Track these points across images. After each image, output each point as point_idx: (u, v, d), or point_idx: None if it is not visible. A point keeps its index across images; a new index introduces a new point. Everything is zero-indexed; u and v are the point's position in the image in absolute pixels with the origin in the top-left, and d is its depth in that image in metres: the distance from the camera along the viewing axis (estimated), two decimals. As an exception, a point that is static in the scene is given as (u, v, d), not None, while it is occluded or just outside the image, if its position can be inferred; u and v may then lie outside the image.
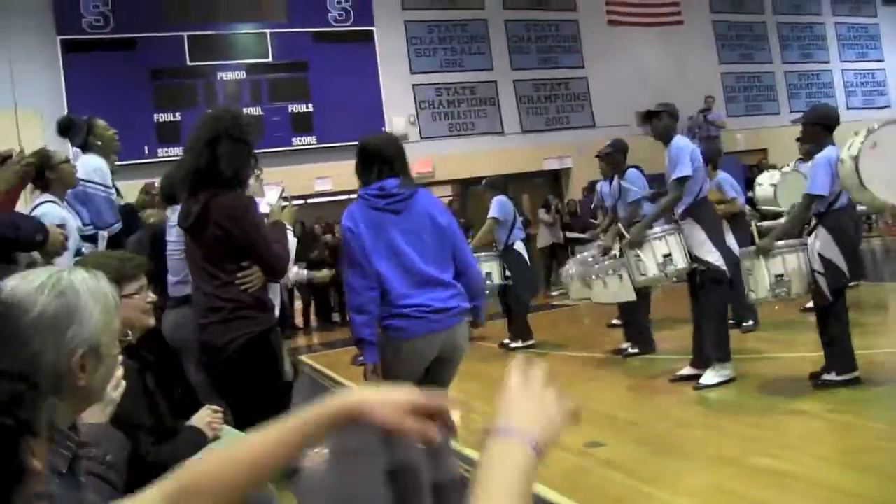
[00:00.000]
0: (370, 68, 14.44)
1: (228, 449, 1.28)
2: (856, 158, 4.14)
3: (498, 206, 8.69)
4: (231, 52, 13.80)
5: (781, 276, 5.25)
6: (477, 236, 8.96)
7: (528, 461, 1.03)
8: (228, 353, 3.29)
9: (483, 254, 8.69)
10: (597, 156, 7.97)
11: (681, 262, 6.02)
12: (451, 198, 14.62)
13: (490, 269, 8.60)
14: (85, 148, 5.12)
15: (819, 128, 5.39)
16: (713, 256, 5.83)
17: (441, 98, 15.28)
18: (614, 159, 7.59)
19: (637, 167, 7.60)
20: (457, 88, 15.40)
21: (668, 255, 6.03)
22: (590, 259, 7.70)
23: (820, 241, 5.15)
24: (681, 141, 6.01)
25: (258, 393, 3.32)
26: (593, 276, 7.14)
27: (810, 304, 6.13)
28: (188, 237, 3.52)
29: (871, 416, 4.60)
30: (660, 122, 6.10)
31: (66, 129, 5.31)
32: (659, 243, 6.07)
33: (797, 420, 4.73)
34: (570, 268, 8.09)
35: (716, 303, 5.86)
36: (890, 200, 4.24)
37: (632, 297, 6.88)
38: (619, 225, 6.94)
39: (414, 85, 15.04)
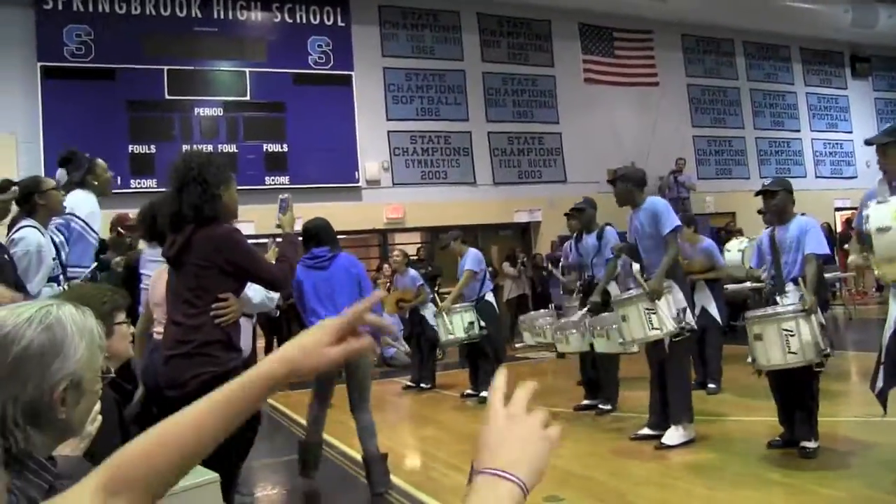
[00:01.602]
0: (347, 112, 14.59)
1: (156, 429, 1.21)
2: None
3: (474, 258, 8.88)
4: (209, 88, 13.90)
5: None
6: (456, 288, 9.01)
7: (517, 502, 0.97)
8: (189, 390, 3.29)
9: (458, 305, 8.90)
10: (566, 214, 8.11)
11: (690, 317, 5.99)
12: (419, 245, 14.72)
13: (472, 318, 8.76)
14: (82, 185, 5.21)
15: (790, 196, 5.60)
16: (689, 315, 5.93)
17: (415, 146, 15.42)
18: (588, 216, 7.73)
19: (609, 224, 7.76)
20: (431, 137, 15.57)
21: (683, 309, 5.91)
22: (575, 319, 7.72)
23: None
24: (659, 200, 6.19)
25: None
26: (598, 327, 7.10)
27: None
28: (170, 268, 3.63)
29: (826, 483, 4.64)
30: (616, 187, 6.30)
31: (67, 161, 5.39)
32: (678, 295, 5.95)
33: (753, 484, 4.78)
34: (539, 318, 8.14)
35: (686, 364, 6.00)
36: None
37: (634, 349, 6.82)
38: (601, 283, 7.14)
39: (389, 131, 15.19)
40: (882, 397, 4.42)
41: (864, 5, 19.76)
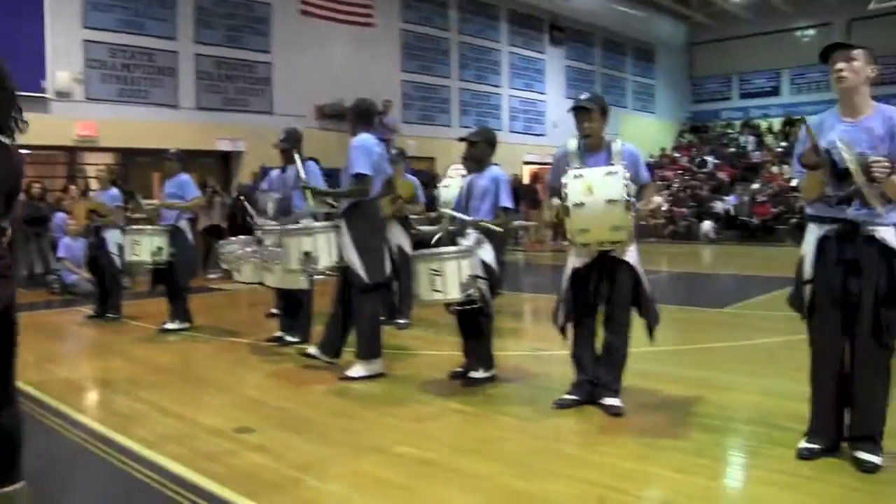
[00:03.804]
0: (34, 11, 13.12)
1: None
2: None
3: (180, 184, 8.62)
4: None
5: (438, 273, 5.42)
6: (162, 203, 8.75)
7: None
8: None
9: (150, 227, 8.61)
10: (275, 146, 7.86)
11: (324, 260, 6.19)
12: (113, 166, 13.78)
13: (161, 243, 8.41)
14: None
15: (490, 148, 5.94)
16: (355, 264, 5.97)
17: (115, 60, 14.23)
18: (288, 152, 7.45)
19: (314, 159, 7.64)
20: (134, 52, 14.45)
21: (308, 253, 6.15)
22: (255, 245, 7.60)
23: (485, 250, 5.60)
24: (362, 139, 6.05)
25: None
26: (275, 261, 7.02)
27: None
28: None
29: (500, 409, 5.15)
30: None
31: None
32: (307, 239, 6.20)
33: (436, 412, 5.12)
34: (237, 248, 7.94)
35: (362, 306, 6.04)
36: None
37: (306, 284, 7.07)
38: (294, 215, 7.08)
39: (85, 40, 13.85)
40: (562, 330, 5.09)
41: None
